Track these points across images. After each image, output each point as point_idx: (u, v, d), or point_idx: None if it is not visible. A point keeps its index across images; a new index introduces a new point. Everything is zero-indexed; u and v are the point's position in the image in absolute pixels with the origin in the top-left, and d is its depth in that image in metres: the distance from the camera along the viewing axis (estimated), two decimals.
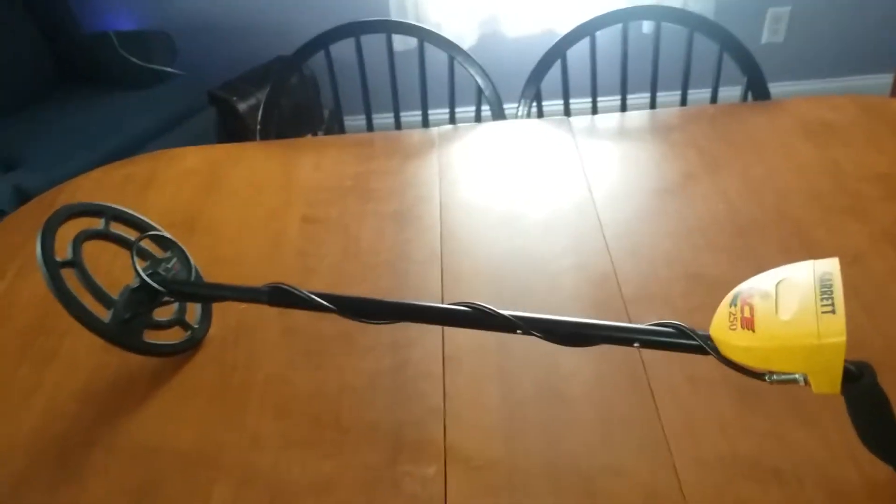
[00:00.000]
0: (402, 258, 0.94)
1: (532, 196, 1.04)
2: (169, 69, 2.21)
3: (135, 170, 1.17)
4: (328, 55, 1.35)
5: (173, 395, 0.78)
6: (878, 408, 0.60)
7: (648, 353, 0.77)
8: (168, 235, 0.83)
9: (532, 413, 0.73)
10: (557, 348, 0.67)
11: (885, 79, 2.49)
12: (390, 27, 1.35)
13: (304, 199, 1.06)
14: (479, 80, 1.34)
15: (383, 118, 1.66)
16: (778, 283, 0.59)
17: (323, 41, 1.33)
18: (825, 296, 0.55)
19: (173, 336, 0.81)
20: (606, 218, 0.99)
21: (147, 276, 0.77)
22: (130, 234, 0.82)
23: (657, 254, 0.92)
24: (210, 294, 0.79)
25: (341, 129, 1.48)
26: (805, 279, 0.58)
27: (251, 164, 1.16)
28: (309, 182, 1.10)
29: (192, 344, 0.82)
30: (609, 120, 1.22)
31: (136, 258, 0.78)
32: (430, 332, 0.82)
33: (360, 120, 1.47)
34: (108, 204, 0.82)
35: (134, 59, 2.16)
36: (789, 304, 0.56)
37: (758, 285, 0.59)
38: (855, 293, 0.83)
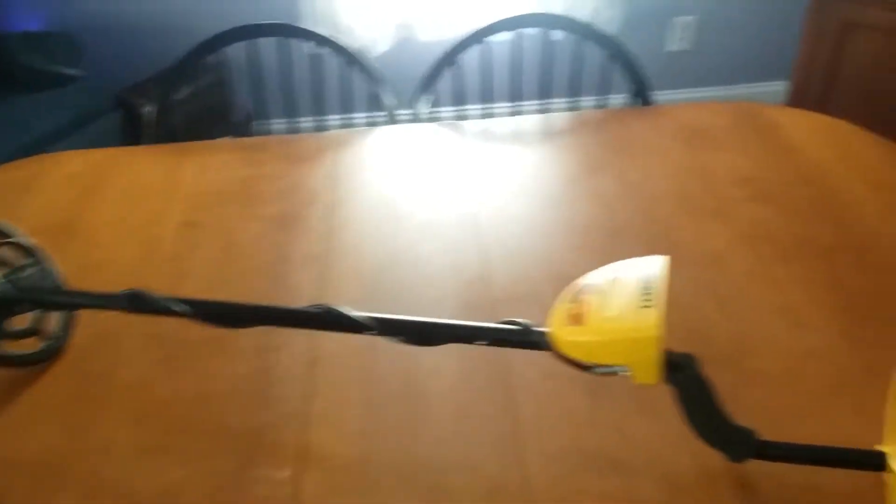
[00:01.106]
0: (281, 261, 0.94)
1: (417, 199, 1.06)
2: (72, 71, 2.16)
3: (16, 174, 1.15)
4: (251, 57, 1.35)
5: (25, 406, 0.76)
6: (703, 397, 0.63)
7: (510, 352, 0.79)
8: (27, 243, 0.82)
9: (392, 412, 0.74)
10: (420, 349, 0.68)
11: (782, 85, 2.60)
12: (286, 31, 1.35)
13: (186, 204, 1.05)
14: (375, 86, 1.35)
15: (303, 122, 1.65)
16: (609, 279, 0.61)
17: (213, 44, 1.32)
18: (647, 292, 0.58)
19: (28, 346, 0.79)
20: (486, 220, 1.01)
21: (1, 283, 0.75)
22: None
23: (531, 255, 0.94)
24: (65, 302, 0.78)
25: (259, 133, 1.48)
26: (632, 276, 0.60)
27: (136, 168, 1.15)
28: (193, 186, 1.09)
29: (51, 353, 0.80)
30: (500, 124, 1.25)
31: None
32: (299, 335, 0.82)
33: (281, 123, 1.47)
34: None
35: (34, 61, 2.11)
36: (616, 300, 0.59)
37: (592, 282, 0.62)
38: (712, 292, 0.87)
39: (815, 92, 2.20)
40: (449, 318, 0.67)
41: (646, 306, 0.57)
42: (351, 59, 1.34)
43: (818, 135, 1.17)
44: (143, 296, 0.71)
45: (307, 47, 1.35)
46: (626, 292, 0.58)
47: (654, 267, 0.60)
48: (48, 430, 0.73)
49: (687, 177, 1.07)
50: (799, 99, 2.25)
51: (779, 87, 2.60)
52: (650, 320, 0.56)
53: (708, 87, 2.64)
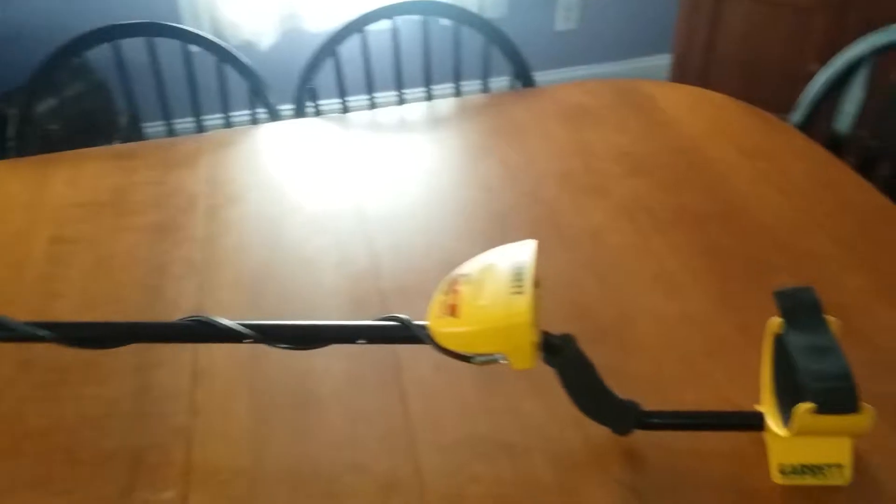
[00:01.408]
0: (158, 273, 0.90)
1: (300, 196, 1.04)
2: None
3: None
4: (128, 59, 1.28)
5: None
6: (583, 374, 0.64)
7: (401, 347, 0.79)
8: None
9: (281, 420, 0.73)
10: (311, 353, 0.67)
11: (668, 59, 2.68)
12: (152, 30, 1.30)
13: (54, 219, 1.00)
14: (253, 82, 1.31)
15: (184, 124, 1.58)
16: (482, 268, 0.62)
17: (76, 47, 1.26)
18: (517, 278, 0.59)
19: None
20: (372, 213, 1.00)
21: None
22: None
23: (419, 245, 0.94)
24: None
25: (140, 137, 1.41)
26: (504, 263, 0.61)
27: None
28: (61, 200, 1.03)
29: None
30: (384, 115, 1.24)
31: None
32: (180, 350, 0.79)
33: (159, 126, 1.40)
34: None
35: None
36: (488, 288, 0.59)
37: (465, 271, 0.62)
38: (593, 267, 0.89)
39: (695, 64, 2.28)
40: (339, 317, 0.66)
41: (517, 293, 0.57)
42: (224, 55, 1.30)
43: (692, 107, 1.21)
44: (2, 323, 0.67)
45: (181, 46, 1.30)
46: (497, 280, 0.59)
47: (524, 252, 0.61)
48: None
49: (568, 156, 1.09)
50: (681, 72, 2.33)
51: (665, 61, 2.69)
52: (521, 306, 0.56)
53: (597, 65, 2.70)
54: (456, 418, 0.72)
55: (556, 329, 0.63)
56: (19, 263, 0.92)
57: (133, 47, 1.31)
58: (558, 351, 0.63)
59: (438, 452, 0.69)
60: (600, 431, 0.68)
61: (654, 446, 0.68)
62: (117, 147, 1.18)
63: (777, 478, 0.64)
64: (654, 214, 0.96)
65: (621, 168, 1.06)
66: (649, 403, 0.68)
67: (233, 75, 1.32)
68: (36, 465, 0.69)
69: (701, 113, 1.19)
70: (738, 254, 0.90)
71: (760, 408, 0.68)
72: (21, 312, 0.69)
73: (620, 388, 0.67)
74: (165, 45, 1.32)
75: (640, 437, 0.68)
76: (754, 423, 0.67)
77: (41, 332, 0.65)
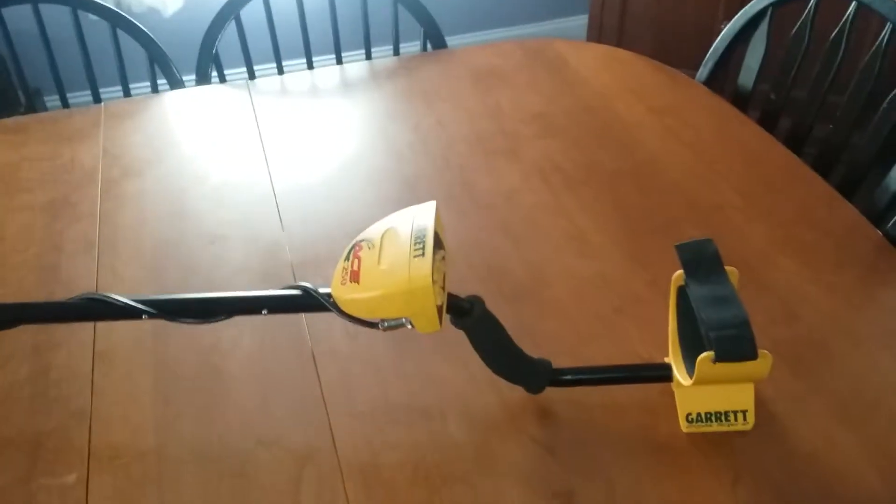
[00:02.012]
0: (53, 252, 0.86)
1: (205, 167, 1.00)
2: None
3: None
4: (21, 29, 1.19)
5: None
6: (493, 336, 0.64)
7: (310, 317, 0.77)
8: None
9: (187, 397, 0.70)
10: (217, 325, 0.65)
11: (582, 20, 2.70)
12: None
13: None
14: (149, 51, 1.25)
15: (81, 96, 1.50)
16: (384, 232, 0.60)
17: None
18: (418, 241, 0.57)
19: None
20: (280, 182, 0.97)
21: None
22: None
23: (329, 214, 0.92)
24: None
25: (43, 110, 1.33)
26: (404, 226, 0.60)
27: None
28: None
29: None
30: (292, 81, 1.20)
31: None
32: (79, 330, 0.76)
33: (55, 101, 1.32)
34: None
35: None
36: (389, 252, 0.58)
37: (367, 236, 0.61)
38: (507, 228, 0.89)
39: (611, 24, 2.30)
40: (240, 291, 0.64)
41: (417, 255, 0.56)
42: (118, 21, 1.23)
43: (603, 66, 1.21)
44: None
45: (71, 13, 1.23)
46: (398, 244, 0.58)
47: (425, 214, 0.60)
48: None
49: (480, 118, 1.08)
50: (597, 32, 2.34)
51: (582, 22, 2.69)
52: (423, 269, 0.55)
53: (514, 27, 2.69)
54: (370, 385, 0.71)
55: (472, 291, 0.63)
56: None
57: (21, 16, 1.23)
58: (466, 313, 0.62)
59: (353, 421, 0.68)
60: (515, 391, 0.69)
61: (567, 403, 0.69)
62: (5, 121, 1.11)
63: (685, 426, 0.66)
64: (567, 174, 0.97)
65: (533, 129, 1.06)
66: (564, 361, 0.68)
67: (132, 45, 1.26)
68: None
69: (611, 71, 1.20)
70: (648, 210, 0.91)
71: (668, 360, 0.69)
72: None
73: (535, 348, 0.67)
74: (55, 13, 1.24)
75: (553, 394, 0.68)
76: (662, 374, 0.69)
77: None
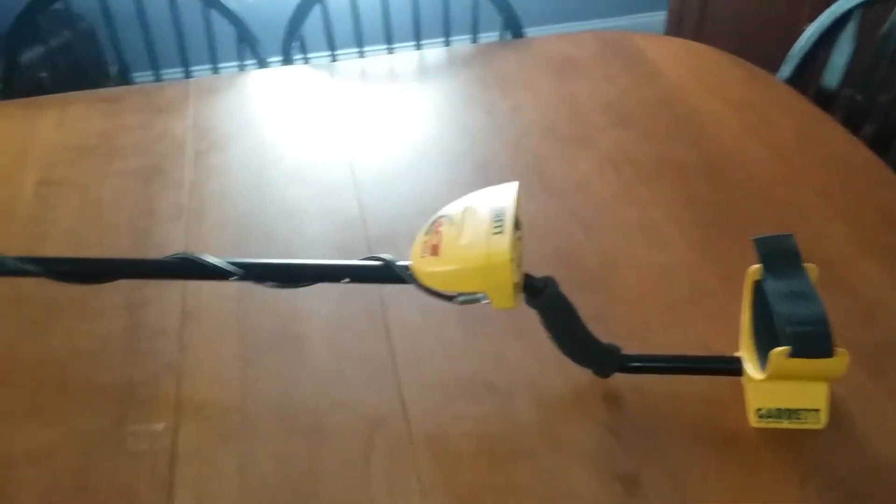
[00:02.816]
0: (145, 216, 0.91)
1: (287, 143, 1.04)
2: None
3: None
4: (114, 7, 1.26)
5: None
6: (565, 316, 0.65)
7: (386, 290, 0.80)
8: None
9: (268, 358, 0.74)
10: (296, 292, 0.68)
11: (661, 16, 2.67)
12: None
13: (42, 162, 0.99)
14: (238, 30, 1.30)
15: (173, 73, 1.56)
16: (464, 209, 0.62)
17: None
18: (498, 219, 0.59)
19: None
20: (358, 162, 1.00)
21: None
22: None
23: (404, 194, 0.95)
24: None
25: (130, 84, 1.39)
26: (485, 204, 0.61)
27: None
28: (48, 142, 1.03)
29: None
30: (371, 64, 1.23)
31: None
32: (169, 289, 0.80)
33: (148, 76, 1.39)
34: None
35: None
36: (469, 228, 0.60)
37: (448, 212, 0.63)
38: (579, 216, 0.90)
39: (690, 21, 2.27)
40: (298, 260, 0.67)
41: (497, 233, 0.58)
42: (209, 1, 1.28)
43: (680, 59, 1.21)
44: None
45: None
46: (478, 220, 0.59)
47: (505, 194, 0.62)
48: None
49: (554, 107, 1.09)
50: (675, 28, 2.31)
51: (660, 18, 2.67)
52: (501, 246, 0.57)
53: (593, 21, 2.68)
54: (440, 359, 0.73)
55: (541, 275, 0.64)
56: (8, 204, 0.92)
57: None
58: (540, 292, 0.64)
59: (423, 391, 0.70)
60: (582, 374, 0.70)
61: (634, 389, 0.70)
62: (103, 91, 1.17)
63: (754, 421, 0.66)
64: (640, 165, 0.97)
65: (607, 119, 1.06)
66: (632, 348, 0.69)
67: (220, 23, 1.31)
68: (29, 396, 0.70)
69: (688, 65, 1.19)
70: (722, 205, 0.91)
71: (739, 353, 0.69)
72: (9, 252, 0.69)
73: (603, 333, 0.68)
74: None
75: (620, 380, 0.69)
76: (732, 367, 0.69)
77: (29, 267, 0.66)
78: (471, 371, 0.72)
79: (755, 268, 0.67)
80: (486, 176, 0.97)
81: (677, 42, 1.27)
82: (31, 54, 2.08)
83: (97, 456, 0.65)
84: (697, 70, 1.18)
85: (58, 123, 1.07)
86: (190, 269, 0.65)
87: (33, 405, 0.69)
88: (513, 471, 0.63)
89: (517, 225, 0.61)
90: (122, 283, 0.74)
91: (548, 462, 0.64)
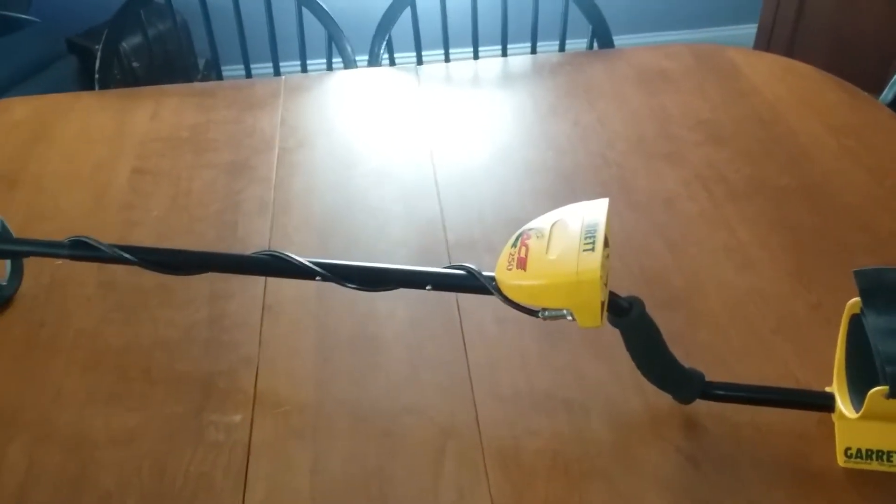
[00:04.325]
0: (232, 210, 0.93)
1: (371, 144, 1.04)
2: (24, 16, 2.08)
3: None
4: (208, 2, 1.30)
5: None
6: (648, 338, 0.64)
7: (463, 297, 0.79)
8: None
9: (344, 358, 0.74)
10: (375, 295, 0.68)
11: (753, 29, 2.59)
12: None
13: (136, 151, 1.03)
14: (328, 29, 1.32)
15: (261, 68, 1.60)
16: (553, 223, 0.61)
17: None
18: (588, 235, 0.58)
19: None
20: (440, 166, 1.00)
21: None
22: None
23: (486, 200, 0.94)
24: (8, 249, 0.76)
25: (219, 79, 1.44)
26: (575, 220, 0.60)
27: (83, 115, 1.11)
28: (143, 133, 1.07)
29: (0, 302, 0.79)
30: (458, 69, 1.23)
31: None
32: (251, 284, 0.81)
33: (238, 70, 1.43)
34: None
35: None
36: (558, 243, 0.59)
37: (536, 226, 0.62)
38: (664, 234, 0.87)
39: (782, 35, 2.19)
40: (402, 264, 0.67)
41: (587, 250, 0.57)
42: (309, 2, 1.31)
43: (777, 77, 1.17)
44: (87, 243, 0.70)
45: None
46: (567, 236, 0.58)
47: (596, 211, 0.60)
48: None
49: (642, 120, 1.07)
50: (766, 43, 2.24)
51: (750, 31, 2.59)
52: (591, 264, 0.56)
53: (680, 31, 2.62)
54: (516, 371, 0.72)
55: (625, 293, 0.63)
56: (102, 191, 0.96)
57: None
58: (625, 312, 0.62)
59: (497, 402, 0.69)
60: (662, 398, 0.68)
61: (715, 417, 0.67)
62: (197, 85, 1.20)
63: (841, 461, 0.63)
64: (731, 185, 0.94)
65: (698, 135, 1.03)
66: (714, 374, 0.67)
67: (311, 21, 1.33)
68: (113, 381, 0.72)
69: (786, 84, 1.15)
70: (817, 231, 0.87)
71: (831, 388, 0.66)
72: (102, 237, 0.71)
73: (684, 356, 0.66)
74: None
75: (702, 406, 0.67)
76: (823, 403, 0.66)
77: (125, 255, 0.68)
78: (546, 385, 0.71)
79: (854, 301, 0.64)
80: (570, 187, 0.95)
81: (774, 59, 1.23)
82: (126, 44, 2.17)
83: (176, 443, 0.66)
84: (795, 89, 1.13)
85: (153, 115, 1.10)
86: (277, 266, 0.66)
87: (118, 390, 0.71)
88: (586, 491, 0.62)
89: (606, 242, 0.60)
90: (208, 276, 0.75)
91: (622, 484, 0.62)
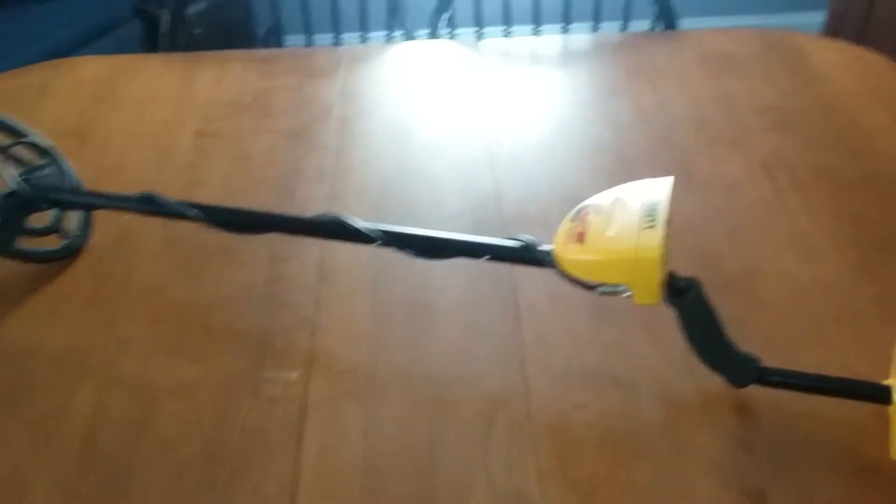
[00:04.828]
0: (291, 175, 0.94)
1: (430, 117, 1.05)
2: None
3: (29, 79, 1.15)
4: None
5: (47, 300, 0.78)
6: (705, 319, 0.63)
7: (518, 271, 0.80)
8: (43, 142, 0.82)
9: (398, 324, 0.75)
10: (430, 265, 0.69)
11: (821, 16, 2.52)
12: None
13: (200, 114, 1.05)
14: (391, 0, 1.32)
15: (321, 38, 1.61)
16: (614, 200, 0.61)
17: None
18: (650, 213, 0.58)
19: (50, 243, 0.81)
20: (497, 140, 1.00)
21: (18, 182, 0.76)
22: (4, 141, 0.81)
23: (542, 177, 0.94)
24: (81, 201, 0.79)
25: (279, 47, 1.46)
26: (637, 197, 0.60)
27: (150, 76, 1.14)
28: (207, 96, 1.09)
29: (70, 252, 0.82)
30: (518, 45, 1.23)
31: (9, 164, 0.78)
32: (310, 247, 0.83)
33: (299, 38, 1.44)
34: None
35: None
36: (618, 219, 0.59)
37: (596, 202, 0.62)
38: (724, 219, 0.86)
39: (852, 24, 2.12)
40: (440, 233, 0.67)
41: (648, 227, 0.57)
42: None
43: (847, 66, 1.13)
44: (156, 199, 0.72)
45: None
46: (628, 213, 0.58)
47: (659, 189, 0.60)
48: (67, 324, 0.76)
49: (706, 104, 1.05)
50: (835, 29, 2.18)
51: (819, 19, 2.52)
52: (652, 241, 0.56)
53: (746, 16, 2.56)
54: (567, 346, 0.73)
55: (683, 275, 0.62)
56: (168, 151, 0.98)
57: None
58: (683, 292, 0.62)
59: (548, 376, 0.70)
60: (714, 381, 0.68)
61: (769, 404, 0.67)
62: (260, 52, 1.22)
63: (895, 454, 0.62)
64: (795, 173, 0.92)
65: (764, 122, 1.01)
66: (768, 361, 0.66)
67: None
68: (175, 334, 0.75)
69: (855, 73, 1.12)
70: (883, 224, 0.85)
71: (889, 381, 0.65)
72: (167, 195, 0.74)
73: (740, 342, 0.66)
74: None
75: (755, 392, 0.67)
76: (880, 395, 0.64)
77: (190, 211, 0.70)
78: (597, 362, 0.71)
79: None
80: (629, 168, 0.94)
81: (843, 46, 1.19)
82: (190, 10, 2.21)
83: (235, 397, 0.68)
84: (866, 79, 1.10)
85: (217, 79, 1.12)
86: (337, 229, 0.67)
87: (180, 343, 0.74)
88: (634, 468, 0.62)
89: (667, 222, 0.60)
90: (268, 237, 0.77)
91: (671, 465, 0.63)
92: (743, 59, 1.15)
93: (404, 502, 0.61)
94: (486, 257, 0.65)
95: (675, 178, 0.61)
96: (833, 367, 0.70)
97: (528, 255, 0.64)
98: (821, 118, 1.02)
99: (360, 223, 0.67)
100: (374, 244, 0.67)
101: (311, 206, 0.89)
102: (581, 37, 1.24)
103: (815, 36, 1.23)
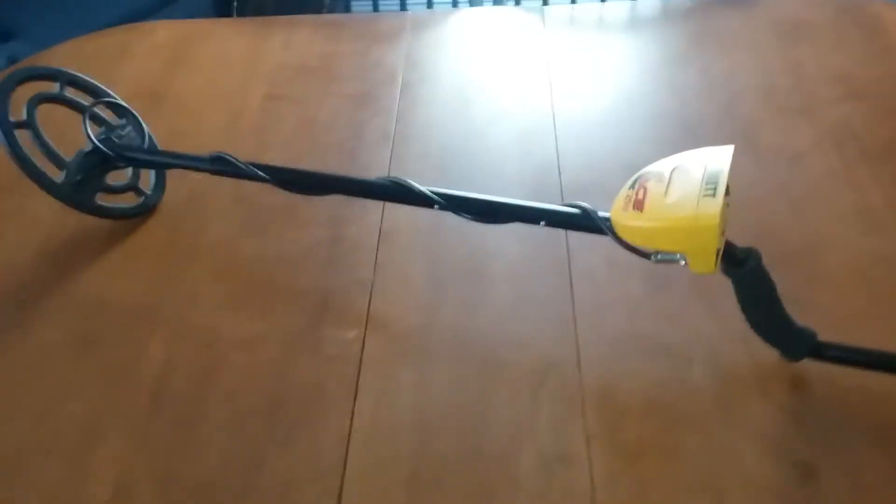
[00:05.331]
0: (355, 138, 0.96)
1: (490, 83, 1.05)
2: None
3: (107, 42, 1.19)
4: None
5: (123, 255, 0.83)
6: (762, 291, 0.63)
7: (573, 237, 0.81)
8: (122, 103, 0.86)
9: (453, 288, 0.77)
10: (486, 229, 0.70)
11: None
12: None
13: (269, 77, 1.08)
14: None
15: (388, 4, 1.62)
16: (674, 168, 0.61)
17: None
18: (710, 182, 0.58)
19: (127, 200, 0.85)
20: (560, 108, 1.00)
21: (99, 141, 0.80)
22: (86, 100, 0.85)
23: (603, 145, 0.94)
24: (157, 161, 0.82)
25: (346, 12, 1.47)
26: (696, 165, 0.60)
27: (221, 40, 1.17)
28: (276, 60, 1.11)
29: (145, 209, 0.86)
30: (585, 11, 1.21)
31: (89, 123, 0.82)
32: (370, 210, 0.85)
33: (367, 4, 1.45)
34: (63, 68, 0.84)
35: None
36: (677, 187, 0.59)
37: (656, 169, 0.62)
38: (788, 190, 0.85)
39: None
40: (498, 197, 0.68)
41: (707, 195, 0.56)
42: None
43: None
44: (226, 159, 0.75)
45: None
46: (688, 180, 0.58)
47: (719, 157, 0.60)
48: (141, 278, 0.80)
49: (776, 73, 1.02)
50: None
51: None
52: (710, 209, 0.55)
53: None
54: (620, 313, 0.73)
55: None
56: (237, 113, 1.01)
57: None
58: (740, 263, 0.61)
59: (599, 343, 0.71)
60: (768, 353, 0.67)
61: (823, 378, 0.66)
62: (326, 17, 1.24)
63: None
64: (865, 145, 0.89)
65: (834, 91, 0.98)
66: (826, 336, 0.65)
67: None
68: (240, 289, 0.78)
69: None
70: None
71: None
72: (237, 156, 0.77)
73: (798, 315, 0.65)
74: None
75: (809, 366, 0.66)
76: None
77: (259, 172, 0.73)
78: (650, 330, 0.72)
79: None
80: (693, 138, 0.93)
81: None
82: None
83: (295, 352, 0.72)
84: None
85: (285, 43, 1.15)
86: (398, 192, 0.69)
87: (245, 298, 0.77)
88: (682, 435, 0.63)
89: (727, 190, 0.59)
90: (330, 199, 0.79)
91: (720, 434, 0.63)
92: (816, 26, 1.11)
93: (452, 460, 0.63)
94: (542, 223, 0.66)
95: (739, 149, 0.60)
96: (891, 344, 0.69)
97: (584, 221, 0.64)
98: (894, 89, 0.98)
99: (420, 186, 0.68)
100: (434, 207, 0.69)
101: (374, 171, 0.91)
102: (649, 3, 1.22)
103: (892, 3, 1.18)
